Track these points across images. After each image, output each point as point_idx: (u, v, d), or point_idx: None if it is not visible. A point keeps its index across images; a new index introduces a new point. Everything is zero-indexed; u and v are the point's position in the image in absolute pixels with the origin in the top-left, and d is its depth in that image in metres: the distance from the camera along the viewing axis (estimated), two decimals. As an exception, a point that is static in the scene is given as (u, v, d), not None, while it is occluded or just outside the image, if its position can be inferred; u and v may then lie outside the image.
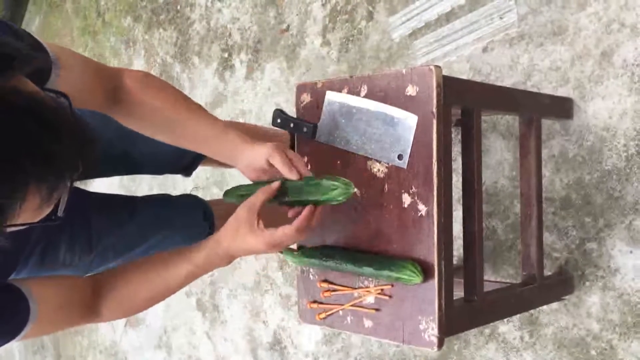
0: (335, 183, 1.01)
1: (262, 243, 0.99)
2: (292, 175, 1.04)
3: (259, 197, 1.02)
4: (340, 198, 1.01)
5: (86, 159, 0.61)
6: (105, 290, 1.04)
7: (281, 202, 1.07)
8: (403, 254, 1.09)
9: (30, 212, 0.59)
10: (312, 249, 1.22)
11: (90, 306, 1.02)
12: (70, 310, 0.98)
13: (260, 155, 1.07)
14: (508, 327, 1.57)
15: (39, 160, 0.56)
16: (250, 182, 1.15)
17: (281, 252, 1.25)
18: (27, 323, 0.88)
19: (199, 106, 1.12)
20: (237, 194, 1.13)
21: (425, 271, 1.05)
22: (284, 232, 0.99)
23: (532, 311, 1.51)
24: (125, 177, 2.95)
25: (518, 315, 1.53)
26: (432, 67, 1.05)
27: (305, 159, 1.25)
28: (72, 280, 1.04)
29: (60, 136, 0.57)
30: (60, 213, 0.65)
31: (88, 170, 0.62)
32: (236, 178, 2.41)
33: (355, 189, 1.02)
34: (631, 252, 1.38)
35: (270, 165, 1.06)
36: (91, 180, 2.59)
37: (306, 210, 1.01)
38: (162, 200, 1.42)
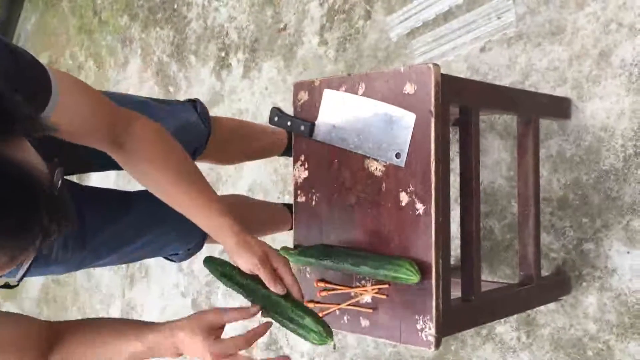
0: (316, 329, 0.98)
1: (208, 353, 0.96)
2: (277, 290, 1.01)
3: (231, 316, 0.99)
4: (313, 342, 0.99)
5: (59, 228, 0.58)
6: (56, 343, 0.99)
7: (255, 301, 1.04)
8: (401, 253, 1.09)
9: None
10: (309, 248, 1.21)
11: (40, 353, 0.97)
12: (22, 352, 0.94)
13: (244, 265, 1.02)
14: (505, 328, 1.56)
15: (8, 226, 0.53)
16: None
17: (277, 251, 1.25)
18: None
19: (200, 176, 1.08)
20: (218, 270, 1.08)
21: (423, 270, 1.05)
22: (235, 342, 0.96)
23: (529, 312, 1.51)
24: (119, 176, 2.93)
25: (515, 316, 1.53)
26: (431, 66, 1.05)
27: (303, 157, 1.25)
28: (29, 323, 0.99)
29: (35, 207, 0.54)
30: (17, 278, 0.62)
31: (58, 234, 0.59)
32: (233, 178, 2.40)
33: (333, 342, 0.99)
34: (628, 252, 1.38)
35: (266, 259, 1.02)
36: (86, 175, 2.58)
37: (262, 327, 0.99)
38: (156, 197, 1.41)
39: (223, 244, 1.05)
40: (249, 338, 0.97)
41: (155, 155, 1.04)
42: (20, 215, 0.53)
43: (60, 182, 0.60)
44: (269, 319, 1.02)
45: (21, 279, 0.63)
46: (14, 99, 0.55)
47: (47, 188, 0.57)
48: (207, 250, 1.42)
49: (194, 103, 1.43)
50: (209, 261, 1.09)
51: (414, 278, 1.03)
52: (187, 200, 1.06)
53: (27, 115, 0.56)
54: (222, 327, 1.00)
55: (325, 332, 0.98)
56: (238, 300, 2.33)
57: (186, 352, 1.00)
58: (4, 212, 0.52)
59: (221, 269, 1.07)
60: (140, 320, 1.04)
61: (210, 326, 0.97)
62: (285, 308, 1.01)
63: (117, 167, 1.46)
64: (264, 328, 0.99)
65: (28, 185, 0.54)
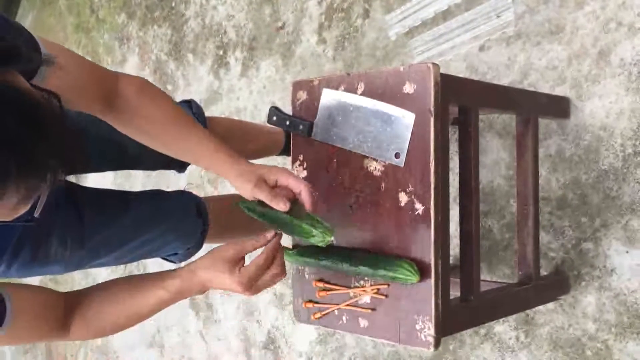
0: (315, 231, 1.04)
1: (237, 284, 1.01)
2: (278, 207, 1.04)
3: (249, 245, 1.03)
4: (318, 244, 1.06)
5: (70, 161, 0.60)
6: (77, 308, 1.02)
7: (262, 217, 1.11)
8: (400, 253, 1.08)
9: (5, 211, 0.57)
10: (308, 247, 1.21)
11: (61, 322, 1.00)
12: (43, 323, 0.97)
13: (243, 191, 1.08)
14: (504, 327, 1.56)
15: (21, 160, 0.54)
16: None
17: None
18: (1, 327, 0.87)
19: (192, 122, 1.11)
20: (245, 207, 1.13)
21: (422, 270, 1.04)
22: (257, 264, 1.01)
23: (527, 311, 1.51)
24: (118, 175, 2.93)
25: (514, 316, 1.53)
26: (430, 65, 1.04)
27: (301, 157, 1.24)
28: (48, 293, 1.02)
29: (45, 137, 0.56)
30: (36, 214, 0.63)
31: (71, 172, 0.61)
32: (230, 176, 2.39)
33: (332, 238, 1.05)
34: (627, 252, 1.38)
35: (264, 182, 1.07)
36: (84, 176, 2.57)
37: (274, 239, 1.04)
38: (155, 196, 1.40)
39: (226, 179, 1.10)
40: (268, 254, 1.02)
41: (146, 108, 1.06)
42: (30, 144, 0.54)
43: (60, 109, 0.62)
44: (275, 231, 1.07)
45: (38, 215, 0.64)
46: (12, 37, 0.59)
47: (52, 115, 0.58)
48: (207, 248, 1.42)
49: (189, 103, 1.43)
50: (237, 204, 1.15)
51: (413, 278, 1.03)
52: (183, 145, 1.10)
53: (25, 50, 0.58)
54: (243, 258, 1.03)
55: (323, 230, 1.04)
56: (236, 301, 2.33)
57: (214, 287, 1.04)
58: (13, 141, 0.53)
59: (246, 205, 1.12)
60: (155, 272, 1.08)
61: (232, 261, 1.01)
62: (285, 222, 1.07)
63: (112, 167, 1.46)
64: (275, 237, 1.04)
65: (34, 112, 0.55)
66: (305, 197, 1.05)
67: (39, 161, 0.56)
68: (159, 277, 1.05)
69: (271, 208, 1.06)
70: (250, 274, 1.01)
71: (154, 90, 1.10)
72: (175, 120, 1.09)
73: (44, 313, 0.97)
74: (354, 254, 1.13)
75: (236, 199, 1.69)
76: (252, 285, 1.02)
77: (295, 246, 1.25)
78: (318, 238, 1.05)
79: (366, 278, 1.14)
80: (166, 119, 1.08)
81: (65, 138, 0.59)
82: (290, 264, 1.23)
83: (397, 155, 1.09)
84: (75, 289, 1.09)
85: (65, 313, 1.02)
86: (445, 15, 1.69)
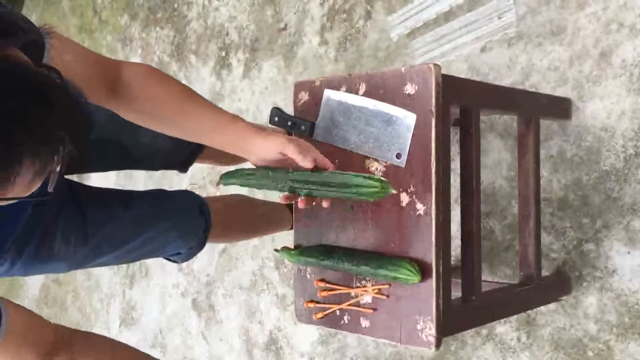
0: (369, 181, 0.99)
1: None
2: (306, 164, 1.02)
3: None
4: (373, 197, 1.00)
5: (78, 132, 0.61)
6: (67, 346, 0.98)
7: (294, 190, 1.07)
8: (401, 253, 1.09)
9: (22, 186, 0.59)
10: (310, 247, 1.21)
11: (46, 353, 0.96)
12: (31, 348, 0.93)
13: (273, 145, 1.04)
14: (505, 328, 1.56)
15: (34, 133, 0.55)
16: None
17: (277, 251, 1.25)
18: None
19: (203, 98, 1.10)
20: (243, 174, 1.12)
21: (423, 271, 1.05)
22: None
23: (529, 312, 1.51)
24: (120, 175, 2.93)
25: (515, 316, 1.53)
26: (432, 66, 1.05)
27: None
28: (40, 320, 0.99)
29: (53, 108, 0.57)
30: (50, 189, 0.64)
31: (81, 145, 0.62)
32: (233, 177, 2.40)
33: (393, 190, 1.00)
34: (629, 253, 1.38)
35: (283, 156, 1.04)
36: (87, 176, 2.58)
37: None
38: (158, 195, 1.41)
39: (245, 148, 1.07)
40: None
41: (155, 91, 1.05)
42: (40, 118, 0.55)
43: (63, 83, 0.63)
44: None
45: (52, 190, 0.65)
46: (13, 12, 0.60)
47: (57, 88, 0.59)
48: (209, 248, 1.42)
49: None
50: (230, 175, 1.15)
51: (414, 278, 1.03)
52: (196, 122, 1.08)
53: (24, 27, 0.60)
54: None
55: (381, 182, 0.99)
56: (238, 300, 2.33)
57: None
58: (24, 115, 0.54)
59: (242, 172, 1.12)
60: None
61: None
62: (325, 180, 1.03)
63: (115, 167, 1.46)
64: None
65: (41, 86, 0.57)
66: (323, 163, 1.05)
67: (51, 132, 0.57)
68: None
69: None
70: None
71: (159, 73, 1.09)
72: (185, 98, 1.07)
73: (33, 338, 0.93)
74: (356, 254, 1.13)
75: (237, 199, 1.70)
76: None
77: (297, 246, 1.25)
78: (374, 189, 0.98)
79: (367, 278, 1.14)
80: (176, 98, 1.06)
81: (73, 109, 0.60)
82: (291, 265, 1.23)
83: (398, 156, 1.09)
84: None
85: (50, 347, 0.96)
86: (447, 16, 1.69)
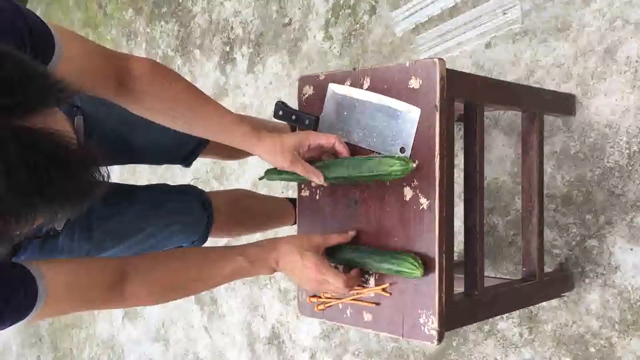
0: (392, 160, 1.05)
1: (319, 269, 1.06)
2: (318, 180, 1.12)
3: (331, 240, 1.10)
4: (398, 175, 1.06)
5: (94, 190, 0.64)
6: (135, 270, 1.01)
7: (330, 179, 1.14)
8: (404, 247, 1.09)
9: (30, 228, 0.62)
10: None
11: (112, 288, 0.99)
12: (88, 289, 0.97)
13: (281, 163, 1.11)
14: (507, 324, 1.57)
15: (51, 199, 0.59)
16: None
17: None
18: (33, 304, 0.87)
19: (208, 98, 1.12)
20: (281, 175, 1.18)
21: (426, 265, 1.05)
22: (337, 284, 1.07)
23: (531, 308, 1.51)
24: (124, 170, 2.94)
25: (517, 312, 1.53)
26: (436, 60, 1.05)
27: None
28: (94, 260, 1.03)
29: (71, 174, 0.60)
30: (59, 228, 0.67)
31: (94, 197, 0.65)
32: (236, 172, 2.40)
33: (415, 163, 1.05)
34: (632, 249, 1.38)
35: (297, 155, 1.10)
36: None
37: (355, 271, 1.11)
38: (161, 189, 1.41)
39: (251, 149, 1.12)
40: (350, 283, 1.09)
41: (161, 90, 1.07)
42: (57, 184, 0.59)
43: (82, 131, 0.66)
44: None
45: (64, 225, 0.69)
46: (47, 74, 0.61)
47: (78, 152, 0.62)
48: (211, 242, 1.43)
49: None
50: (270, 173, 1.20)
51: (417, 272, 1.04)
52: (202, 122, 1.11)
53: (59, 88, 0.62)
54: (324, 251, 1.10)
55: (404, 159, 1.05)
56: (240, 295, 2.34)
57: (283, 267, 1.08)
58: (43, 183, 0.57)
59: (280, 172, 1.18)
60: (229, 246, 1.12)
61: (316, 248, 1.07)
62: (359, 162, 1.10)
63: (118, 162, 1.46)
64: (358, 273, 1.13)
65: (61, 156, 0.59)
66: (339, 148, 1.11)
67: (67, 197, 0.61)
68: (240, 246, 1.08)
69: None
70: (329, 281, 1.07)
71: (165, 69, 1.10)
72: (190, 97, 1.09)
73: (86, 281, 0.97)
74: (359, 248, 1.14)
75: (240, 193, 1.70)
76: (322, 285, 1.07)
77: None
78: (398, 166, 1.04)
79: (370, 272, 1.14)
80: (181, 95, 1.08)
81: (89, 168, 0.64)
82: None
83: (402, 150, 1.09)
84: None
85: (116, 279, 1.00)
86: (452, 11, 1.69)
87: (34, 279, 0.88)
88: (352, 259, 1.13)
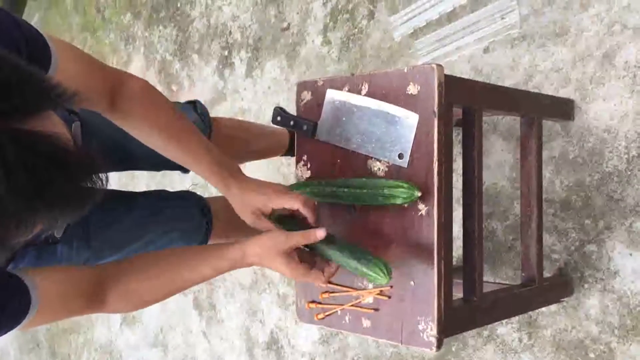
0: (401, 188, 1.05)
1: (290, 270, 1.04)
2: (309, 214, 1.09)
3: (293, 240, 1.05)
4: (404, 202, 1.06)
5: (93, 194, 0.64)
6: (113, 280, 1.03)
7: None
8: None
9: (30, 234, 0.62)
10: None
11: (95, 295, 1.01)
12: (74, 299, 0.98)
13: (245, 216, 1.10)
14: (507, 329, 1.56)
15: (51, 203, 0.59)
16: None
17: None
18: (27, 313, 0.88)
19: (192, 130, 1.12)
20: (313, 183, 1.17)
21: (425, 271, 1.04)
22: (317, 275, 1.05)
23: (530, 313, 1.50)
24: (122, 176, 2.94)
25: (517, 317, 1.53)
26: (434, 66, 1.05)
27: (305, 157, 1.25)
28: (78, 269, 1.03)
29: (70, 176, 0.60)
30: (58, 235, 0.67)
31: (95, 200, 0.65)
32: (235, 176, 2.39)
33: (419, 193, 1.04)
34: (631, 254, 1.38)
35: (260, 215, 1.09)
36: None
37: (334, 267, 1.07)
38: (159, 196, 1.41)
39: (225, 194, 1.12)
40: (328, 277, 1.07)
41: (147, 111, 1.07)
42: (58, 188, 0.59)
43: (80, 136, 0.65)
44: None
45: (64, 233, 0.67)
46: (44, 77, 0.61)
47: (76, 155, 0.61)
48: (209, 248, 1.42)
49: (193, 104, 1.44)
50: (297, 187, 1.19)
51: (382, 280, 1.00)
52: (181, 152, 1.11)
53: (56, 91, 0.62)
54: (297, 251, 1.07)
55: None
56: (239, 300, 2.33)
57: (262, 266, 1.08)
58: (44, 187, 0.57)
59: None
60: (204, 246, 1.13)
61: (286, 252, 1.04)
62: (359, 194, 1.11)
63: (117, 168, 1.46)
64: (336, 268, 1.08)
65: (60, 158, 0.59)
66: (305, 212, 1.08)
67: (68, 201, 0.61)
68: (214, 247, 1.08)
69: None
70: (304, 273, 1.05)
71: (156, 94, 1.11)
72: (171, 128, 1.09)
73: (74, 290, 0.98)
74: (339, 242, 1.09)
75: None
76: (300, 276, 1.05)
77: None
78: (401, 201, 1.06)
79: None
80: (164, 124, 1.09)
81: (89, 172, 0.63)
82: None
83: (400, 156, 1.09)
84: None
85: (97, 288, 1.01)
86: (450, 16, 1.69)
87: (27, 288, 0.88)
88: (325, 251, 1.09)
